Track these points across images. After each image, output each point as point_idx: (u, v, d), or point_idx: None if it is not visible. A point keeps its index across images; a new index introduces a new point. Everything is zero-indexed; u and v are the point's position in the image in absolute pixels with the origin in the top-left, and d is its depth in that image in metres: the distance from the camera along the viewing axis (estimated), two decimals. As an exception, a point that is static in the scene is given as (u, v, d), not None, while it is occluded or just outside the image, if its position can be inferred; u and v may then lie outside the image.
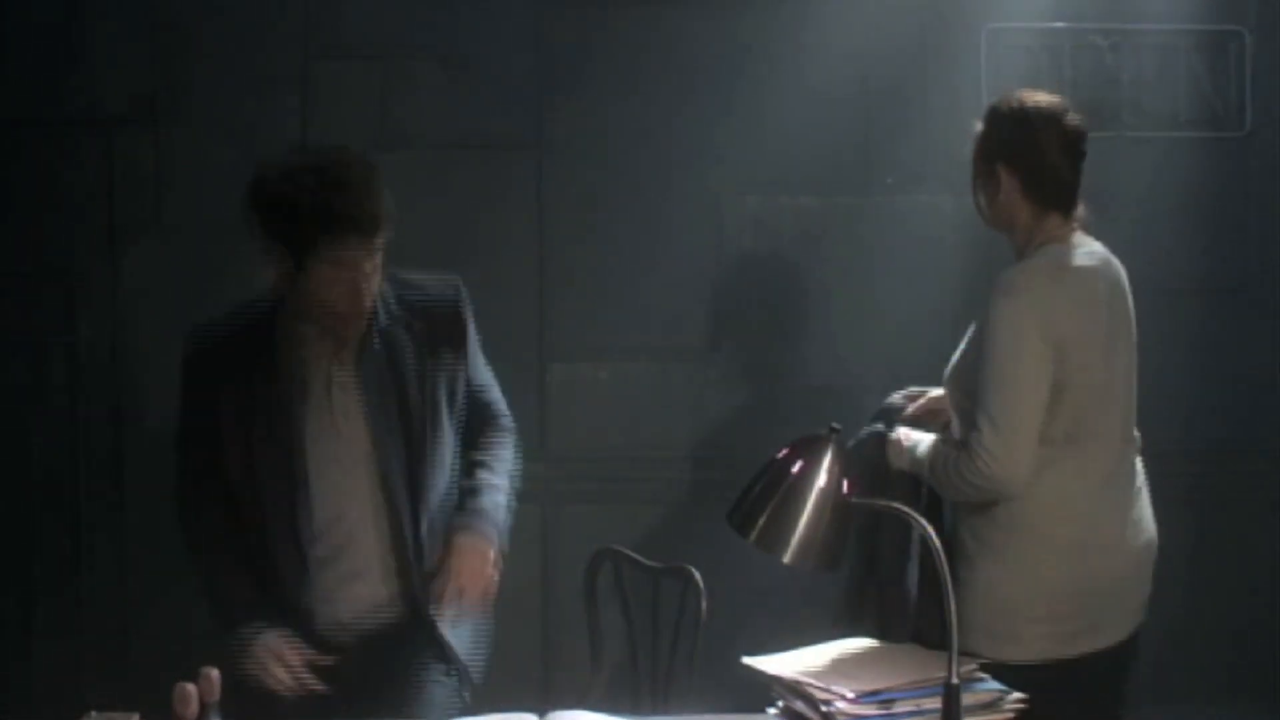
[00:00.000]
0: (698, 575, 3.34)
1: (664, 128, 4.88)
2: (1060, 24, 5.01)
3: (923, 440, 3.44)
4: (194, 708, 2.32)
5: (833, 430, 2.58)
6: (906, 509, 2.50)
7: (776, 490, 2.57)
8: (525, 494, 4.45)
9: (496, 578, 3.38)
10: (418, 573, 3.36)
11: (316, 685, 3.26)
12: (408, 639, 3.39)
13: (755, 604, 4.33)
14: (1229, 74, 5.04)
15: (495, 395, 3.63)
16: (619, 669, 3.81)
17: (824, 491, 2.54)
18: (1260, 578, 5.07)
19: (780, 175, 4.92)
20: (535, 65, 4.91)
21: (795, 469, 2.56)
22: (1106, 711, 3.41)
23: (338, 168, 3.23)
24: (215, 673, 2.31)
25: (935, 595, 2.70)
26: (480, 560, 3.36)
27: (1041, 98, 3.50)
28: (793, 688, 2.84)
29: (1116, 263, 3.57)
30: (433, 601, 3.34)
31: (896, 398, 3.66)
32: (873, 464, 3.46)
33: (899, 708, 2.78)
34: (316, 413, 3.33)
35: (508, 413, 3.65)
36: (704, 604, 3.30)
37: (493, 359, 4.58)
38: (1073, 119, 3.46)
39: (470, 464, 3.53)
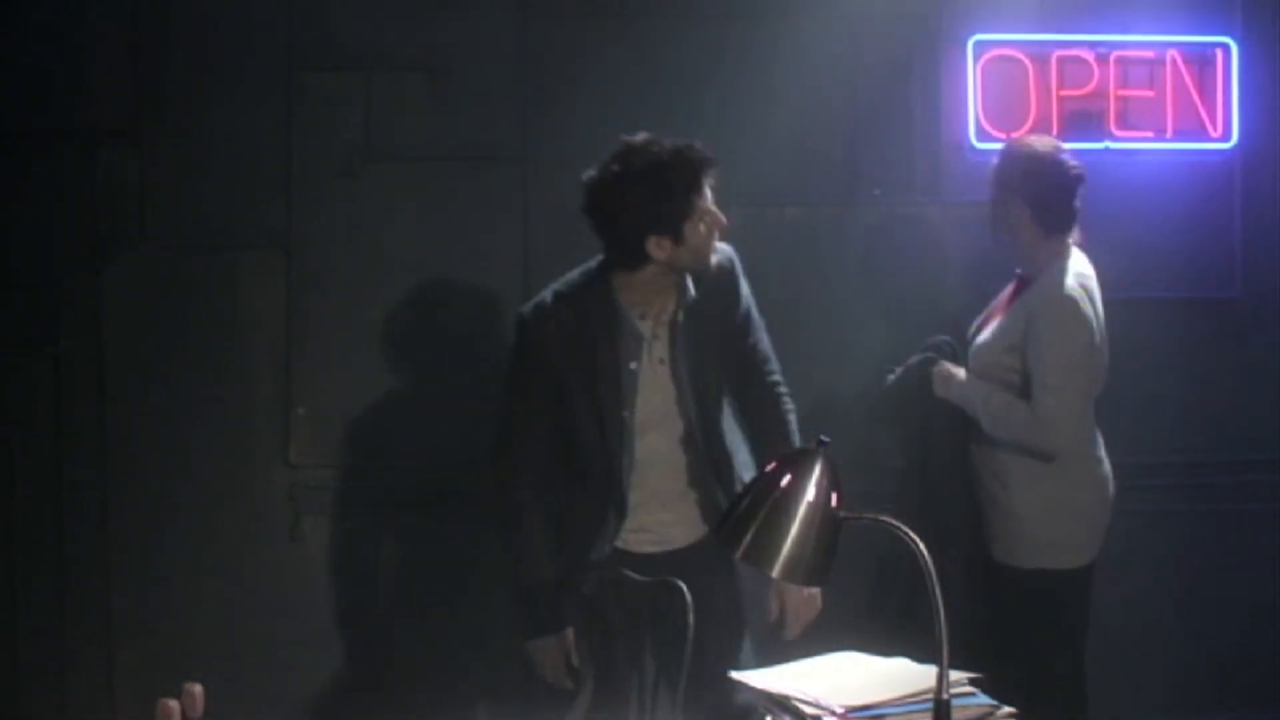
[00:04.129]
0: (685, 589, 3.30)
1: (649, 140, 4.85)
2: (1047, 35, 5.04)
3: (972, 381, 4.28)
4: (177, 725, 2.29)
5: (821, 443, 2.56)
6: (896, 523, 2.47)
7: (764, 504, 2.54)
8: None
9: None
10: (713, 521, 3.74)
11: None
12: (705, 576, 3.68)
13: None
14: (1216, 85, 5.07)
15: (768, 351, 3.98)
16: (606, 683, 3.76)
17: (812, 506, 2.52)
18: (1261, 588, 5.11)
19: (766, 186, 4.93)
20: (520, 77, 4.92)
21: (783, 483, 2.53)
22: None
23: (660, 147, 3.63)
24: (199, 688, 2.27)
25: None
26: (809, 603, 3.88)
27: (1046, 142, 4.31)
28: (781, 702, 2.82)
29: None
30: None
31: (940, 337, 4.51)
32: (914, 392, 4.47)
33: (888, 723, 2.76)
34: (642, 371, 3.76)
35: (779, 374, 4.01)
36: (691, 618, 3.26)
37: (479, 372, 4.72)
38: (1072, 162, 4.23)
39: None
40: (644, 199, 3.59)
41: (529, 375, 3.80)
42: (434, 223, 4.90)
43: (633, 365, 3.75)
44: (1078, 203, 4.23)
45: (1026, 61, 5.01)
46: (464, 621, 4.84)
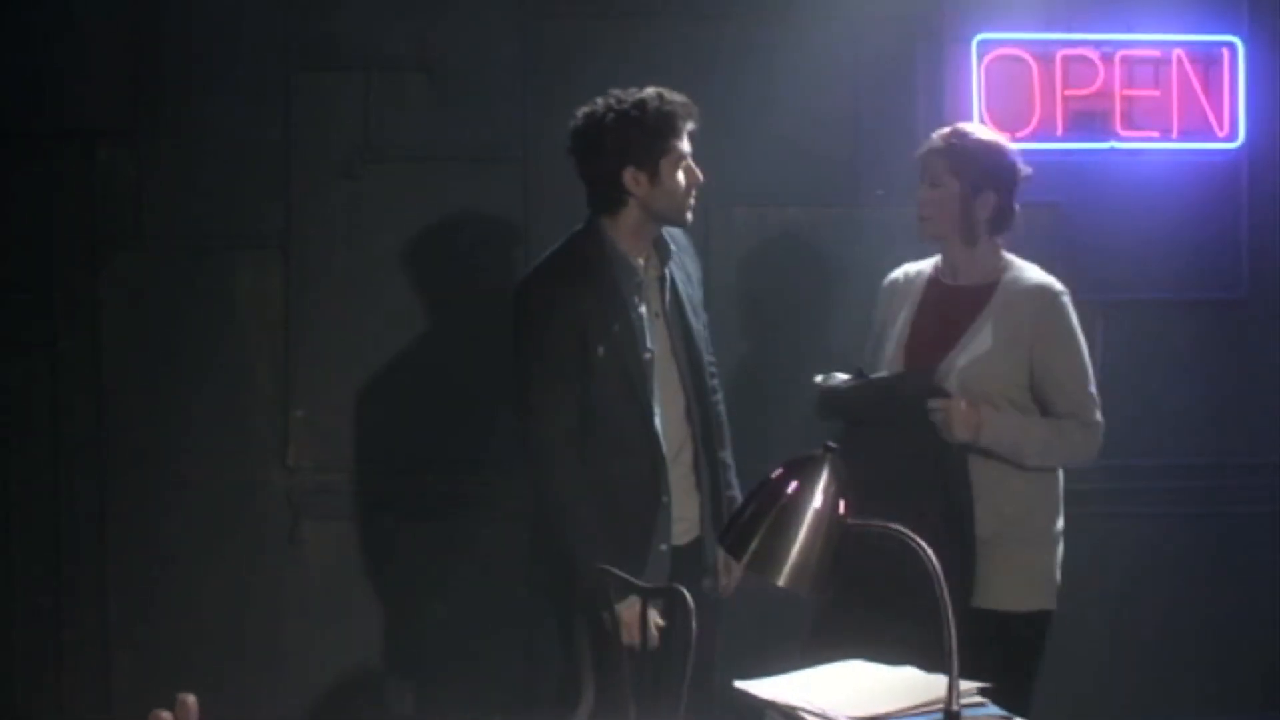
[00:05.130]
0: (688, 595, 3.26)
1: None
2: (1052, 34, 5.00)
3: (1003, 414, 3.76)
4: (172, 737, 2.25)
5: (828, 449, 2.51)
6: (906, 532, 2.43)
7: (770, 511, 2.49)
8: (512, 505, 4.54)
9: None
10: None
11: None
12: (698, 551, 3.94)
13: (750, 626, 4.30)
14: (1222, 85, 5.03)
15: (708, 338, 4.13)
16: (607, 691, 3.74)
17: (819, 513, 2.46)
18: (1261, 591, 5.07)
19: (767, 187, 4.92)
20: (521, 77, 4.90)
21: (790, 489, 2.48)
22: None
23: (646, 92, 3.83)
24: (192, 699, 2.23)
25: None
26: None
27: (993, 132, 4.05)
28: (787, 713, 2.78)
29: None
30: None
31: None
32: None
33: (896, 733, 2.73)
34: (647, 316, 3.88)
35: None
36: (694, 625, 3.22)
37: (481, 374, 4.72)
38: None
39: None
40: (623, 129, 3.78)
41: (543, 335, 3.81)
42: (434, 224, 4.88)
43: (638, 302, 3.86)
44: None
45: (1031, 61, 4.97)
46: (468, 628, 4.83)
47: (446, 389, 4.85)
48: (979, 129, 3.99)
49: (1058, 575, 3.86)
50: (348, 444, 4.88)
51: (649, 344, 3.85)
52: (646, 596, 3.50)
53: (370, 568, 4.89)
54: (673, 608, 3.50)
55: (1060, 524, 3.87)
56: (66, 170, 4.78)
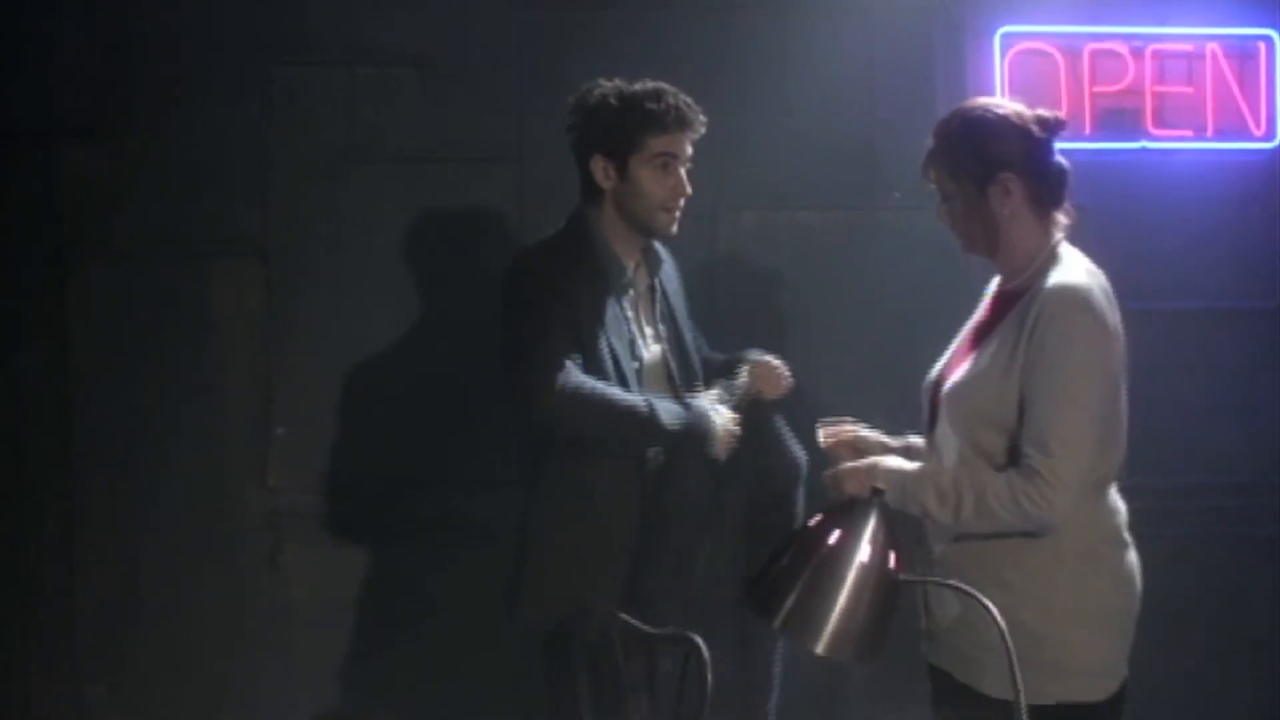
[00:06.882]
0: (702, 644, 2.99)
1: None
2: (1079, 27, 4.93)
3: (930, 470, 3.24)
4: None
5: (876, 493, 2.22)
6: (970, 590, 2.14)
7: (807, 565, 2.20)
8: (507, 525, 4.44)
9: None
10: None
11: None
12: None
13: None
14: (1259, 81, 4.97)
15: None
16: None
17: (866, 568, 2.17)
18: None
19: (778, 189, 4.84)
20: (516, 71, 4.82)
21: (831, 540, 2.19)
22: None
23: (646, 85, 3.85)
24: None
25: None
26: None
27: (993, 99, 3.48)
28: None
29: None
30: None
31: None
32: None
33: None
34: (634, 320, 3.92)
35: None
36: (710, 676, 2.95)
37: (469, 391, 4.73)
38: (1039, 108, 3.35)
39: None
40: (597, 113, 3.84)
41: (542, 310, 3.78)
42: (423, 228, 4.80)
43: (625, 305, 3.89)
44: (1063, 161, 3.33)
45: (1057, 55, 4.89)
46: (456, 656, 4.72)
47: (435, 405, 4.77)
48: (968, 106, 3.37)
49: (1102, 654, 3.29)
50: (331, 463, 4.80)
51: (641, 352, 3.88)
52: (655, 643, 3.30)
53: (355, 594, 4.79)
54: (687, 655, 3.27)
55: (1097, 598, 3.28)
56: (29, 172, 4.69)
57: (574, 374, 3.71)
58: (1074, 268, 3.25)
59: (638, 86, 3.84)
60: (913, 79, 4.88)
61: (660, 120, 3.80)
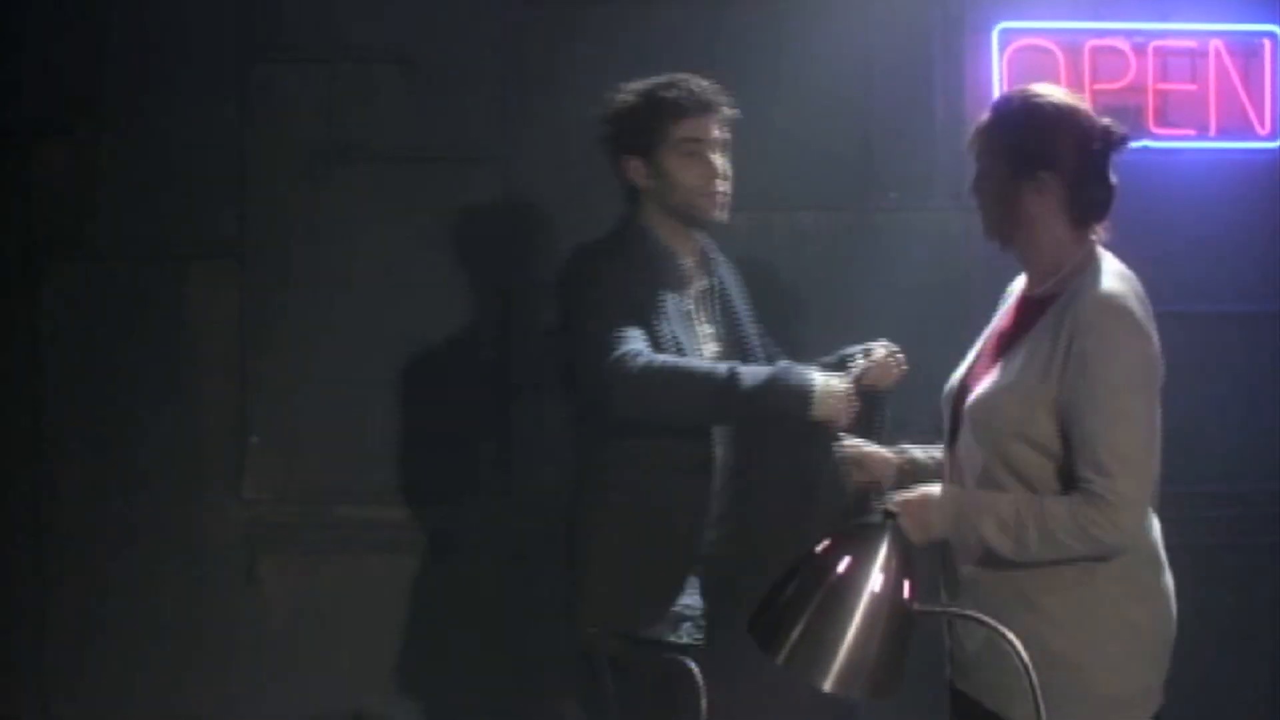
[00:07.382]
0: (695, 669, 2.89)
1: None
2: (1079, 23, 4.88)
3: (987, 498, 3.10)
4: None
5: (888, 515, 2.09)
6: (991, 622, 2.02)
7: (815, 595, 2.06)
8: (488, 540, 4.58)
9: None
10: None
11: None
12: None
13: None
14: (1263, 78, 4.92)
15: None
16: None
17: (878, 598, 2.04)
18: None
19: (774, 189, 4.75)
20: (500, 69, 4.79)
21: (840, 567, 2.06)
22: None
23: (663, 77, 3.84)
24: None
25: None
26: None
27: (1066, 94, 3.23)
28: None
29: None
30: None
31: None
32: None
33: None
34: (697, 335, 3.89)
35: None
36: (704, 703, 2.85)
37: (453, 398, 4.73)
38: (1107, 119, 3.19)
39: None
40: (619, 116, 3.85)
41: (607, 302, 3.75)
42: (405, 230, 4.76)
43: (682, 300, 3.87)
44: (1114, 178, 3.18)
45: (1057, 52, 4.83)
46: (439, 673, 4.70)
47: (418, 413, 4.75)
48: (1039, 90, 3.20)
49: (1138, 682, 3.17)
50: (310, 473, 4.76)
51: (699, 347, 3.85)
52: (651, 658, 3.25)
53: (336, 610, 4.75)
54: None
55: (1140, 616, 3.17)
56: (1, 172, 4.68)
57: (646, 352, 3.68)
58: (1109, 274, 3.12)
59: (654, 81, 3.84)
60: (910, 77, 4.86)
61: (678, 106, 3.79)
